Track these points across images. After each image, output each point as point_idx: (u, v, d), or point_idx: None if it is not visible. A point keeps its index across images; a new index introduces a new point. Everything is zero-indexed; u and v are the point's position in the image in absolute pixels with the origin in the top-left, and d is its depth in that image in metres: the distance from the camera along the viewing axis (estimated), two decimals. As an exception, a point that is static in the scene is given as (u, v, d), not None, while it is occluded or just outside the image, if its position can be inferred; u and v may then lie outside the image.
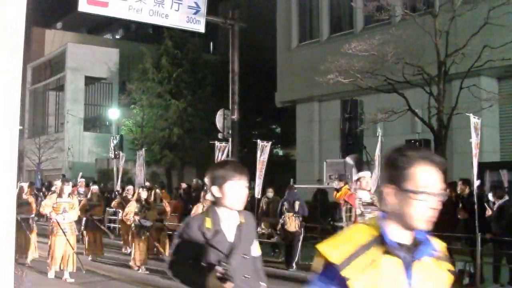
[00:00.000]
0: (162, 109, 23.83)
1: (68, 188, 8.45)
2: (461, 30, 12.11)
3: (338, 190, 9.96)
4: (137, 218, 9.48)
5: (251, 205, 12.64)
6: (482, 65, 10.88)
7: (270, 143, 12.41)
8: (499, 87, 14.39)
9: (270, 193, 11.79)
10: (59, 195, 8.42)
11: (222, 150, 13.05)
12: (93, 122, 32.07)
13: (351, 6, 16.15)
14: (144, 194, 9.73)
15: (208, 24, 13.36)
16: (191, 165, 25.05)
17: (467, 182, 8.95)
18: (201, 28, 13.13)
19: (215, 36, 29.09)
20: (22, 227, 9.52)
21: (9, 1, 1.69)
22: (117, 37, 42.42)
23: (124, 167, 17.83)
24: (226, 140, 14.41)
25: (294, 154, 22.27)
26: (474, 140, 8.68)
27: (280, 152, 26.87)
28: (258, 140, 12.22)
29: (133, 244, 9.61)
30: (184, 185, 15.15)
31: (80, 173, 15.35)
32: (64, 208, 8.34)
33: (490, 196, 9.12)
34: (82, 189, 13.85)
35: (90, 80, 30.76)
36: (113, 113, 26.02)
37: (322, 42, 18.39)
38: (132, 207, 9.58)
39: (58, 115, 31.76)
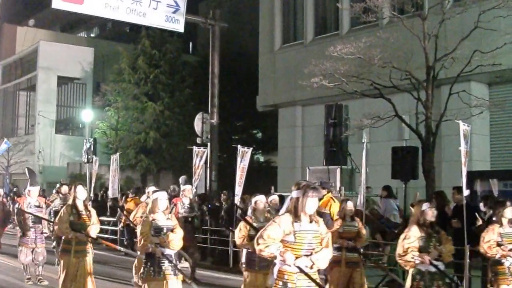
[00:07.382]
0: (138, 111, 23.29)
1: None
2: (450, 33, 11.84)
3: (320, 198, 9.54)
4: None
5: (230, 212, 12.16)
6: (472, 70, 10.58)
7: (251, 149, 12.00)
8: (489, 93, 14.18)
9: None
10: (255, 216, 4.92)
11: (201, 156, 12.67)
12: (65, 124, 31.39)
13: (336, 8, 15.83)
14: (351, 207, 6.50)
15: (187, 24, 13.38)
16: (168, 170, 24.56)
17: (461, 190, 8.58)
18: (180, 27, 13.01)
19: (195, 36, 28.62)
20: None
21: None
22: (92, 35, 41.67)
23: (98, 172, 17.20)
24: (205, 145, 14.17)
25: (275, 160, 21.89)
26: (464, 148, 8.35)
27: (261, 159, 26.50)
28: (239, 146, 11.79)
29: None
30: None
31: (183, 176, 12.23)
32: None
33: (482, 206, 8.80)
34: (187, 201, 9.87)
35: (63, 80, 30.11)
36: (87, 115, 25.17)
37: (306, 44, 18.00)
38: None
39: (28, 116, 30.98)
